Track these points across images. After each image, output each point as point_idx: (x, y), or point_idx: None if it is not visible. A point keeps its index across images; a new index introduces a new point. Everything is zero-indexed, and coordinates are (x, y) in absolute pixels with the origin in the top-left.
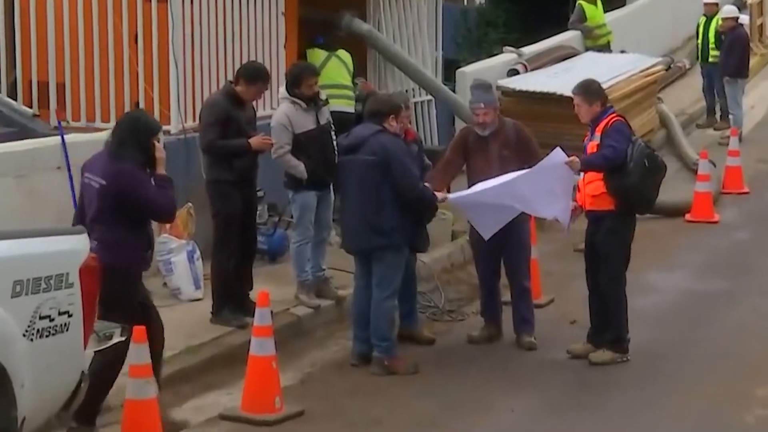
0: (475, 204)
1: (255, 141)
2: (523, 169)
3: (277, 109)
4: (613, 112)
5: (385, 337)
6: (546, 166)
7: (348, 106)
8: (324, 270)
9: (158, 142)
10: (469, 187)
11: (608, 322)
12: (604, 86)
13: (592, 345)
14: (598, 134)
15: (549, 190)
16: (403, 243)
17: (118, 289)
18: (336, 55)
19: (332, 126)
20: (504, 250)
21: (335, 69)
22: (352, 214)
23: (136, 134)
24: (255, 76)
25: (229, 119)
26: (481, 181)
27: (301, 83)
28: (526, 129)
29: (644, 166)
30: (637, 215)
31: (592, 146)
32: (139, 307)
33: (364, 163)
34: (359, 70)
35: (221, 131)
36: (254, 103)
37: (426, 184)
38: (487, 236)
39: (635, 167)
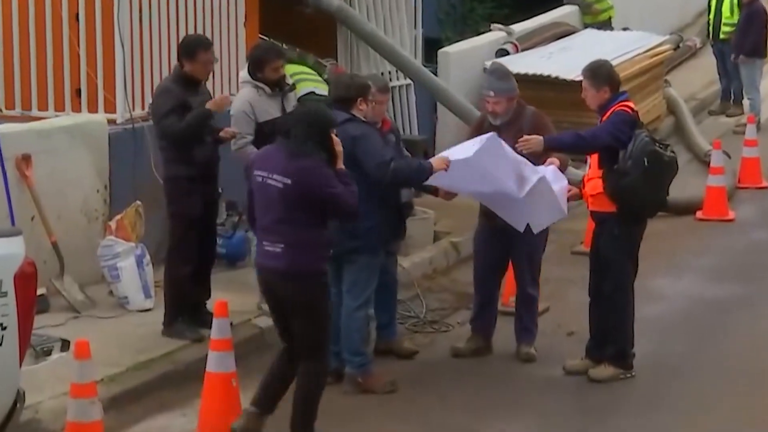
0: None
1: (213, 101)
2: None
3: (237, 95)
4: (624, 100)
5: (358, 351)
6: (479, 152)
7: (323, 89)
8: None
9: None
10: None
11: (610, 334)
12: None
13: (591, 360)
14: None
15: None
16: (378, 245)
17: (311, 293)
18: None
19: None
20: (512, 249)
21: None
22: None
23: (316, 128)
24: (193, 48)
25: (184, 106)
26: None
27: (265, 66)
28: (547, 119)
29: (643, 165)
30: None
31: None
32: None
33: None
34: (328, 51)
35: (180, 120)
36: (211, 88)
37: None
38: (537, 230)
39: (633, 166)
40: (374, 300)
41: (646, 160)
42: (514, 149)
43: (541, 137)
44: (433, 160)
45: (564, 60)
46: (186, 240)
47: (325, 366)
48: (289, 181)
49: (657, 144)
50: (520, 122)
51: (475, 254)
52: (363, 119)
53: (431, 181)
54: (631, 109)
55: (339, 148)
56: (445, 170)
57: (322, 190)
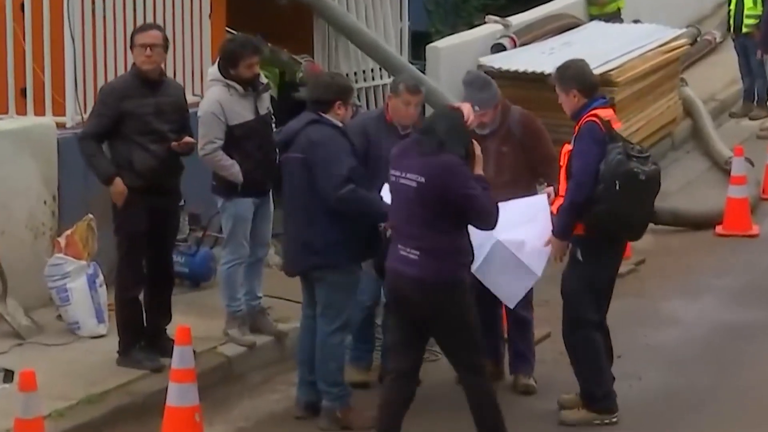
0: None
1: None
2: (523, 173)
3: (205, 94)
4: (600, 106)
5: (336, 381)
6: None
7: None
8: (260, 298)
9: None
10: None
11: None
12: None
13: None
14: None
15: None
16: (346, 262)
17: (449, 305)
18: None
19: (273, 116)
20: None
21: None
22: (287, 227)
23: (455, 132)
24: (132, 36)
25: (122, 113)
26: None
27: (239, 62)
28: (537, 122)
29: (614, 189)
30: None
31: (565, 152)
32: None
33: (294, 163)
34: (304, 46)
35: (109, 124)
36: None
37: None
38: (512, 303)
39: (604, 190)
40: (382, 322)
41: (617, 183)
42: (502, 153)
43: (558, 241)
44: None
45: (567, 56)
46: (131, 257)
47: (486, 379)
48: (423, 179)
49: (634, 158)
50: (506, 124)
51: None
52: (335, 123)
53: None
54: (600, 120)
55: (478, 151)
56: None
57: (459, 191)
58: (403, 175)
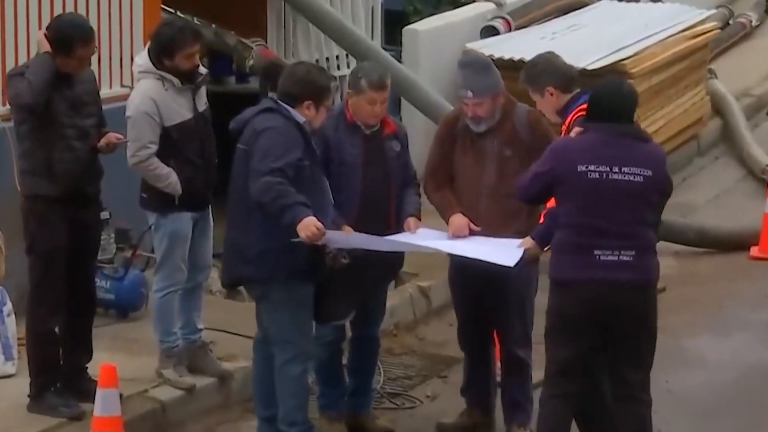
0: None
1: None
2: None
3: (135, 90)
4: (584, 103)
5: (295, 420)
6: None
7: None
8: (201, 331)
9: None
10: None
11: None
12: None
13: None
14: None
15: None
16: (284, 276)
17: (654, 307)
18: None
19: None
20: (492, 296)
21: None
22: (226, 231)
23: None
24: (68, 43)
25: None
26: (468, 196)
27: (176, 52)
28: (546, 123)
29: None
30: None
31: None
32: None
33: (238, 157)
34: (255, 28)
35: (30, 120)
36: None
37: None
38: (513, 262)
39: None
40: (349, 359)
41: None
42: (505, 157)
43: (534, 244)
44: (309, 222)
45: (571, 42)
46: (48, 281)
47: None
48: (649, 172)
49: None
50: (510, 123)
51: (455, 302)
52: (293, 115)
53: (321, 241)
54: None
55: None
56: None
57: (667, 183)
58: (617, 170)
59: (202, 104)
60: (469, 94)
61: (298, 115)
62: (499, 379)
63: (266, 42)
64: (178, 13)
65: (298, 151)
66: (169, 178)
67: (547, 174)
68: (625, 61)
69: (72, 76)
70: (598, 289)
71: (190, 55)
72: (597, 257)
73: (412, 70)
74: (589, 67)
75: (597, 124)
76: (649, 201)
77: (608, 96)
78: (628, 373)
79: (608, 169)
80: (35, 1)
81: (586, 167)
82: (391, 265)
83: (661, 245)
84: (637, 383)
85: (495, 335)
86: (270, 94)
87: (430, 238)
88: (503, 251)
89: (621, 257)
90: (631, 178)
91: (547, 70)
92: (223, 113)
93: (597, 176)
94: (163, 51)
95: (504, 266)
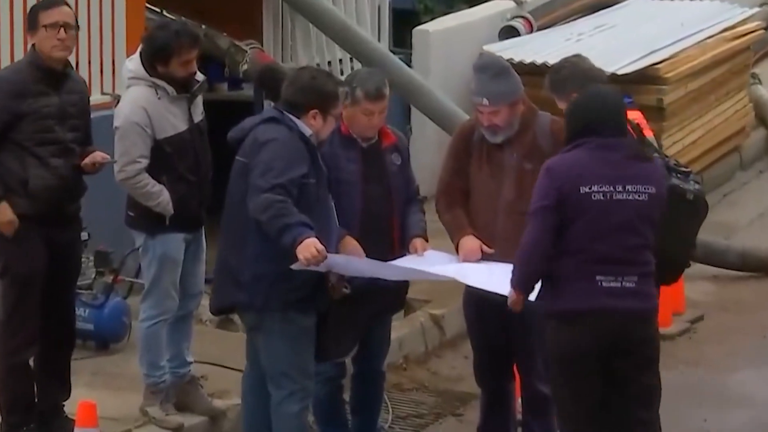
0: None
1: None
2: None
3: (124, 98)
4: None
5: None
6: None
7: None
8: (191, 365)
9: None
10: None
11: None
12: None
13: None
14: None
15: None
16: (279, 306)
17: (658, 337)
18: None
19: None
20: (508, 326)
21: None
22: (219, 250)
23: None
24: (32, 13)
25: (17, 115)
26: (484, 213)
27: (172, 58)
28: None
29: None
30: None
31: None
32: None
33: (236, 169)
34: (250, 29)
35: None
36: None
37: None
38: (506, 290)
39: None
40: (352, 396)
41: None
42: (525, 171)
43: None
44: (309, 243)
45: (599, 44)
46: (22, 309)
47: None
48: (653, 190)
49: (675, 174)
50: (531, 134)
51: (470, 333)
52: (299, 127)
53: (321, 267)
54: (629, 124)
55: None
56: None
57: (665, 200)
58: (621, 188)
59: (198, 115)
60: (484, 101)
61: (305, 126)
62: (519, 417)
63: (262, 45)
64: (165, 13)
65: (303, 167)
66: (161, 197)
67: (556, 200)
68: (658, 65)
69: (62, 80)
70: (605, 319)
71: (187, 62)
72: (599, 283)
73: (423, 75)
74: (620, 72)
75: (589, 139)
76: (653, 221)
77: (597, 107)
78: (642, 414)
79: (612, 189)
80: (7, 3)
81: (590, 188)
82: (395, 293)
83: (698, 269)
84: (651, 423)
85: (515, 369)
86: (267, 102)
87: (440, 263)
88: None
89: (624, 284)
90: (637, 197)
91: (574, 76)
92: (213, 123)
93: (602, 197)
94: (157, 56)
95: None
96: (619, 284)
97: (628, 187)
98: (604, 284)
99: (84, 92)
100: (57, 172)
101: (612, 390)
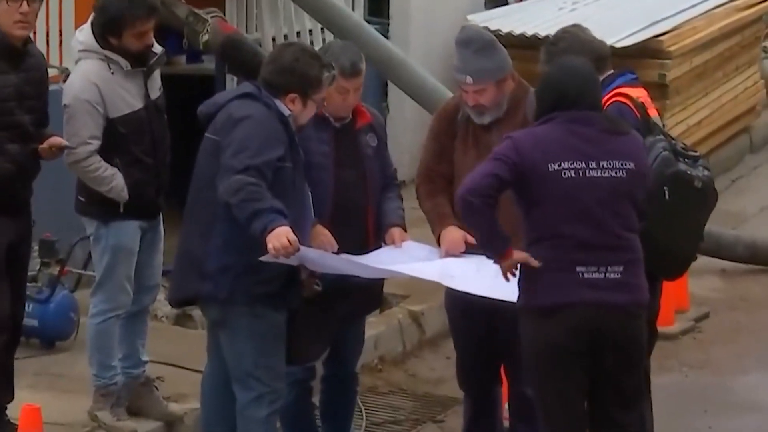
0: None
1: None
2: None
3: (74, 73)
4: (626, 84)
5: None
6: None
7: None
8: (145, 364)
9: None
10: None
11: None
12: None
13: None
14: None
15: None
16: (246, 299)
17: (644, 331)
18: None
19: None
20: (497, 329)
21: None
22: (181, 235)
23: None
24: None
25: None
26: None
27: (125, 29)
28: None
29: (663, 198)
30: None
31: None
32: None
33: (203, 149)
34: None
35: None
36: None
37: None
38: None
39: (647, 201)
40: (322, 400)
41: (666, 191)
42: None
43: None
44: (281, 231)
45: (596, 14)
46: None
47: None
48: (632, 165)
49: (682, 158)
50: (521, 113)
51: (453, 332)
52: (276, 106)
53: (292, 260)
54: (632, 102)
55: None
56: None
57: (650, 177)
58: (595, 165)
59: (156, 91)
60: (468, 79)
61: (283, 106)
62: (506, 423)
63: (224, 13)
64: None
65: (280, 149)
66: (113, 181)
67: (509, 165)
68: (661, 38)
69: (21, 57)
70: (585, 313)
71: (143, 33)
72: (580, 275)
73: (402, 47)
74: (618, 45)
75: (558, 113)
76: (635, 201)
77: (567, 79)
78: (618, 414)
79: (584, 165)
80: None
81: (559, 165)
82: (370, 291)
83: (704, 262)
84: (629, 426)
85: (502, 371)
86: (229, 77)
87: (420, 255)
88: (507, 283)
89: (608, 275)
90: (614, 173)
91: (573, 48)
92: (171, 100)
93: (573, 174)
94: (109, 27)
95: (509, 302)
96: (602, 275)
97: (603, 163)
98: (585, 275)
99: (43, 68)
100: (14, 159)
101: (592, 389)
